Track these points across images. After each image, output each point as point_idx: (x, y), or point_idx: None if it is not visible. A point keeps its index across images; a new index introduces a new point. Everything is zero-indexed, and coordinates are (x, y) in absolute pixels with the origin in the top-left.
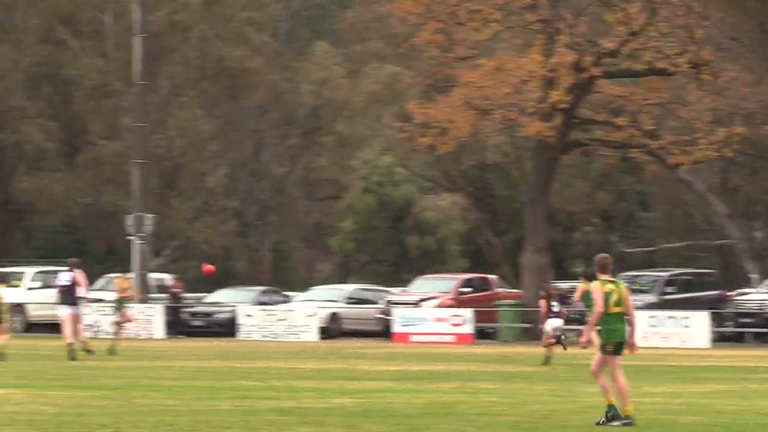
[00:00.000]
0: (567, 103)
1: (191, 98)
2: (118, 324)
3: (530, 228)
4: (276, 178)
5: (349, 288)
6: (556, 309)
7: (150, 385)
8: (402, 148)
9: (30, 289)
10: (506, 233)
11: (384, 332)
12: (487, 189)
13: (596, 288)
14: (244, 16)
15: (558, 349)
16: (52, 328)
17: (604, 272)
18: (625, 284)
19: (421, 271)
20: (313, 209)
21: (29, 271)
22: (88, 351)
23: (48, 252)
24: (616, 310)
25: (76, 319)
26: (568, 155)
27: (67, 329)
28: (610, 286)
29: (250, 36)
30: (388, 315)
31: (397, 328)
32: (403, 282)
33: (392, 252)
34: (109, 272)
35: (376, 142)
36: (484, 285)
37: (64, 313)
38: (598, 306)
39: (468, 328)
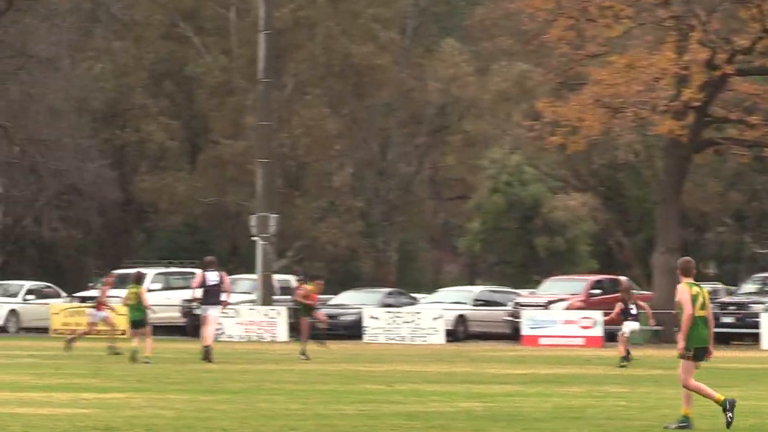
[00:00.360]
0: (699, 101)
1: (316, 96)
2: (311, 327)
3: (661, 228)
4: (403, 177)
5: (477, 290)
6: (634, 312)
7: (273, 389)
8: (531, 147)
9: (150, 290)
10: (637, 233)
11: (512, 335)
12: (618, 188)
13: (684, 290)
14: (371, 12)
15: (636, 352)
16: (168, 330)
17: (687, 275)
18: (759, 285)
19: (550, 273)
20: (440, 209)
21: (150, 272)
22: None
23: (169, 253)
24: (701, 313)
25: (211, 321)
26: (700, 154)
27: (209, 330)
28: (695, 289)
29: (377, 33)
30: (516, 317)
31: (525, 330)
32: (531, 283)
33: (521, 253)
34: (232, 273)
35: (505, 141)
36: (614, 287)
37: (213, 313)
38: (688, 309)
39: (598, 331)
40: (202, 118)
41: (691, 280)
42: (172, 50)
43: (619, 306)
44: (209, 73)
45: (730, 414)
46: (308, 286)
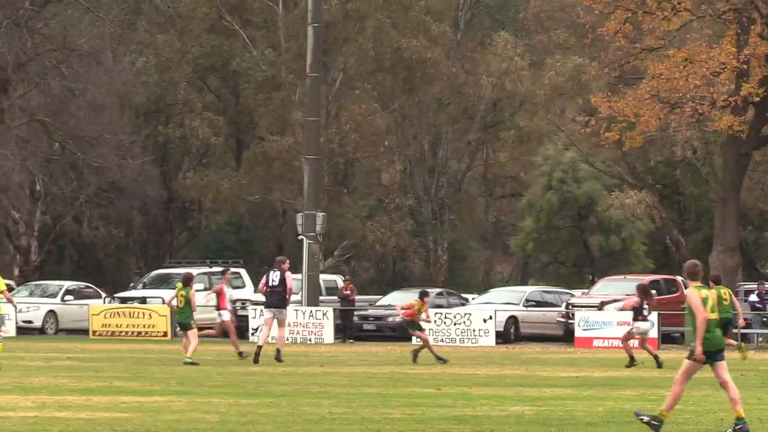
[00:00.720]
0: (759, 96)
1: (365, 91)
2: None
3: (719, 227)
4: (453, 174)
5: (529, 290)
6: (646, 312)
7: (318, 392)
8: (586, 144)
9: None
10: (694, 232)
11: (565, 336)
12: (675, 186)
13: (693, 295)
14: (423, 4)
15: (644, 354)
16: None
17: (694, 279)
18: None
19: (605, 272)
20: (491, 207)
21: (193, 272)
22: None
23: (213, 252)
24: (712, 316)
25: (279, 323)
26: (760, 151)
27: (264, 332)
28: (704, 292)
29: (429, 26)
30: (569, 318)
31: (578, 332)
32: (585, 284)
33: (574, 252)
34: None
35: (559, 137)
36: (670, 287)
37: (267, 315)
38: (701, 313)
39: (653, 332)
40: (247, 114)
41: (698, 284)
42: (218, 44)
43: (634, 301)
44: (255, 67)
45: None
46: (414, 303)
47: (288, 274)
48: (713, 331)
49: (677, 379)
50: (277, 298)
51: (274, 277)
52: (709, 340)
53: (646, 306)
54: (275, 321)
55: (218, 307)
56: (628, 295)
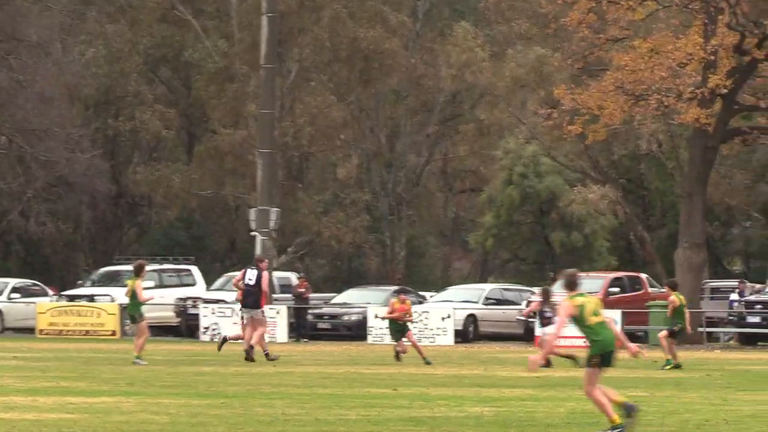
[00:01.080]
0: (727, 88)
1: (321, 83)
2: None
3: (685, 223)
4: (411, 168)
5: (488, 288)
6: (549, 314)
7: (271, 393)
8: (548, 137)
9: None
10: (659, 228)
11: (525, 335)
12: (640, 181)
13: (565, 306)
14: None
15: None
16: (161, 330)
17: (572, 289)
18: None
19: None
20: (450, 203)
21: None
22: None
23: (163, 249)
24: (596, 320)
25: (255, 323)
26: (727, 144)
27: (246, 332)
28: (579, 299)
29: (387, 15)
30: (529, 317)
31: (539, 331)
32: (546, 281)
33: (535, 249)
34: (230, 270)
35: (520, 131)
36: (634, 284)
37: (246, 316)
38: (562, 324)
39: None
40: (199, 107)
41: (576, 293)
42: (169, 34)
43: (536, 304)
44: (208, 58)
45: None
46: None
47: (265, 274)
48: (603, 334)
49: (587, 390)
50: (252, 299)
51: (251, 275)
52: (602, 341)
53: (548, 309)
54: (251, 321)
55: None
56: (590, 292)
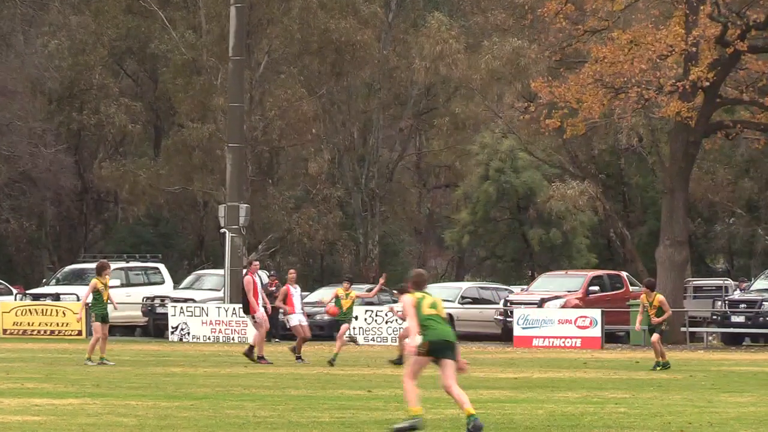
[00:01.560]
0: (709, 80)
1: (291, 75)
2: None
3: (667, 219)
4: (385, 163)
5: (465, 286)
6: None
7: (242, 395)
8: (525, 131)
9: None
10: (640, 225)
11: (503, 335)
12: (620, 176)
13: (407, 301)
14: None
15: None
16: (129, 330)
17: (418, 289)
18: None
19: (545, 268)
20: (425, 199)
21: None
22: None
23: (130, 247)
24: (431, 312)
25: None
26: (709, 139)
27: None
28: (419, 294)
29: (359, 6)
30: (507, 316)
31: (517, 330)
32: (524, 279)
33: (513, 246)
34: (199, 268)
35: (497, 125)
36: (615, 283)
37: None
38: (412, 317)
39: (596, 331)
40: (166, 100)
41: (421, 293)
42: (135, 25)
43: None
44: (175, 50)
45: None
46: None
47: (246, 279)
48: (435, 326)
49: (404, 374)
50: (245, 305)
51: (264, 278)
52: (432, 332)
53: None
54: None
55: (285, 312)
56: (569, 291)
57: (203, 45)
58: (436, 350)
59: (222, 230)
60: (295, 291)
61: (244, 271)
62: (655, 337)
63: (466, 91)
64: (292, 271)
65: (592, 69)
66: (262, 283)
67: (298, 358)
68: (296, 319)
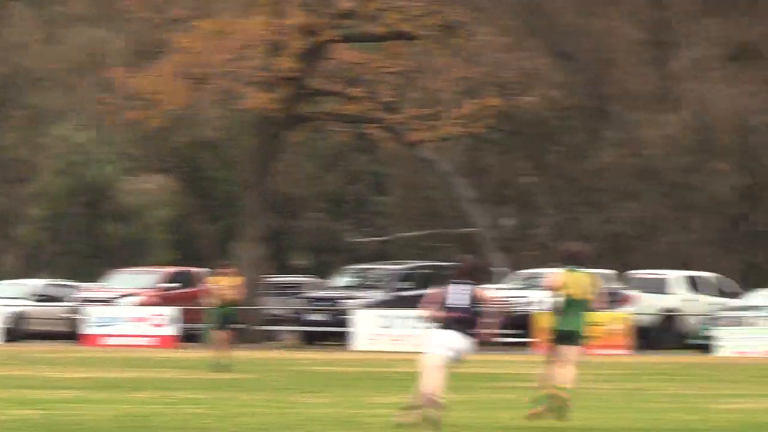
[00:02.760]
0: (297, 71)
1: None
2: None
3: (248, 215)
4: None
5: (38, 283)
6: None
7: None
8: (104, 123)
9: None
10: (220, 220)
11: (74, 334)
12: (201, 170)
13: None
14: None
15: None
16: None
17: None
18: (353, 278)
19: (124, 264)
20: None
21: None
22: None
23: None
24: None
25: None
26: (295, 131)
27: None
28: None
29: None
30: (77, 314)
31: (90, 328)
32: (101, 276)
33: (88, 242)
34: None
35: (74, 116)
36: (192, 280)
37: None
38: None
39: (171, 330)
40: None
41: None
42: None
43: None
44: None
45: None
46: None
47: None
48: None
49: None
50: None
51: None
52: None
53: None
54: None
55: None
56: (143, 288)
57: None
58: None
59: None
60: None
61: None
62: (223, 334)
63: (46, 82)
64: None
65: (174, 59)
66: None
67: None
68: None
